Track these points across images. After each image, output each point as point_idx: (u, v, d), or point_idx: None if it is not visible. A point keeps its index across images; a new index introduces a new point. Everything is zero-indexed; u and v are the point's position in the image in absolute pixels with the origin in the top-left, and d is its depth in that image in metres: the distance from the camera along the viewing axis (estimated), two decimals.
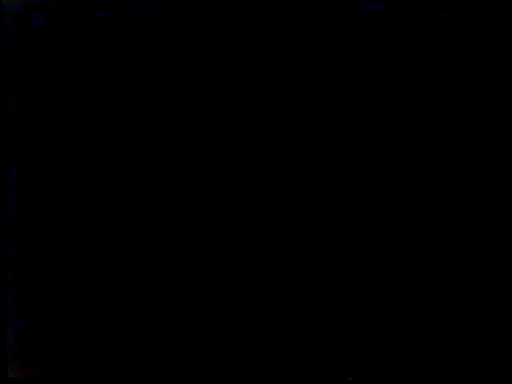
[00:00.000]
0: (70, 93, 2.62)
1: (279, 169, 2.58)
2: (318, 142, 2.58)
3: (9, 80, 2.64)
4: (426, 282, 2.54)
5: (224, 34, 2.59)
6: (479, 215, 2.53)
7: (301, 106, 2.58)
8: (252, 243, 2.57)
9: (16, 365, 2.62)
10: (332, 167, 2.57)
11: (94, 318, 2.59)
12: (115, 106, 2.61)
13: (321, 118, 2.58)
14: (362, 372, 2.54)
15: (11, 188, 2.63)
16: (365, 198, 2.56)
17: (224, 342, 2.57)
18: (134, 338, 2.58)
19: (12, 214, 2.63)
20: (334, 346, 2.55)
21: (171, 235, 2.59)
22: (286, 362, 2.56)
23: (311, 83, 2.58)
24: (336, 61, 2.58)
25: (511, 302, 2.51)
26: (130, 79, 2.61)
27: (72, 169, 2.61)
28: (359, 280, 2.55)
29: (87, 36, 2.62)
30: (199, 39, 2.60)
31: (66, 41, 2.63)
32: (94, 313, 2.59)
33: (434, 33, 2.56)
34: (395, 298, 2.54)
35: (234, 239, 2.58)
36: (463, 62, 2.56)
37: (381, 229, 2.55)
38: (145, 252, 2.59)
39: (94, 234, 2.60)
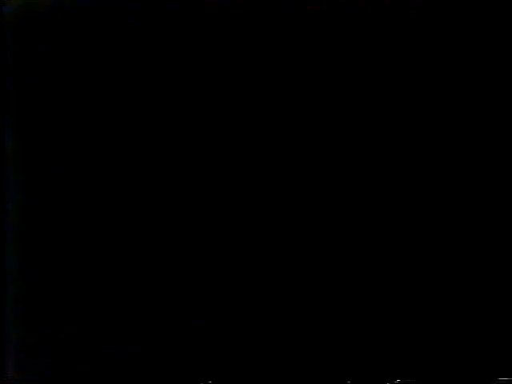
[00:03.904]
0: (70, 93, 2.63)
1: (279, 169, 2.58)
2: (317, 141, 2.58)
3: (9, 80, 2.65)
4: (428, 282, 2.54)
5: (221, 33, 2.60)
6: (479, 215, 2.54)
7: (299, 104, 2.58)
8: (252, 243, 2.58)
9: (14, 368, 2.62)
10: (332, 167, 2.58)
11: (94, 320, 2.59)
12: (116, 105, 2.62)
13: (319, 118, 2.58)
14: (363, 373, 2.55)
15: (11, 188, 2.63)
16: (365, 198, 2.56)
17: (224, 342, 2.57)
18: (134, 340, 2.58)
19: (11, 215, 2.63)
20: (334, 347, 2.55)
21: (171, 237, 2.59)
22: (286, 362, 2.56)
23: (309, 81, 2.59)
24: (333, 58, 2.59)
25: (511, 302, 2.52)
26: (131, 79, 2.61)
27: (72, 169, 2.62)
28: (360, 280, 2.55)
29: (88, 36, 2.63)
30: (198, 37, 2.61)
31: (66, 41, 2.63)
32: (94, 315, 2.59)
33: (433, 29, 2.56)
34: (397, 298, 2.54)
35: (234, 239, 2.58)
36: (461, 59, 2.56)
37: (381, 229, 2.55)
38: (147, 255, 2.59)
39: (94, 236, 2.60)
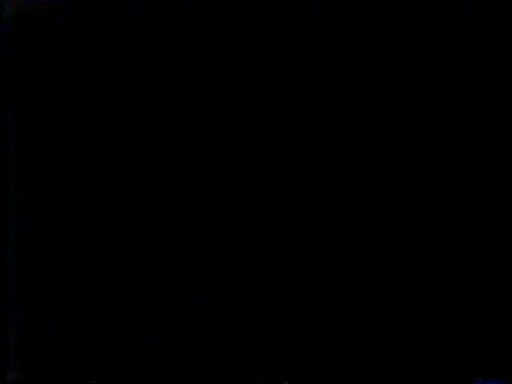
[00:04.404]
0: (70, 92, 2.63)
1: (279, 170, 2.58)
2: (316, 142, 2.58)
3: (8, 80, 2.64)
4: (428, 282, 2.54)
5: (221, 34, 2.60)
6: (479, 216, 2.54)
7: (298, 104, 2.58)
8: (252, 244, 2.58)
9: (15, 367, 2.62)
10: (332, 168, 2.57)
11: (96, 320, 2.60)
12: (116, 106, 2.61)
13: (319, 118, 2.58)
14: (362, 372, 2.55)
15: (11, 188, 2.63)
16: (365, 198, 2.56)
17: (224, 342, 2.57)
18: (134, 341, 2.58)
19: (12, 214, 2.63)
20: (334, 347, 2.55)
21: (171, 238, 2.59)
22: (285, 361, 2.57)
23: (308, 82, 2.59)
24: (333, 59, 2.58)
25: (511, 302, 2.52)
26: (132, 78, 2.61)
27: (73, 169, 2.62)
28: (360, 281, 2.55)
29: (88, 37, 2.62)
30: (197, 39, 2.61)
31: (65, 42, 2.63)
32: (95, 315, 2.59)
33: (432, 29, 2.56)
34: (396, 298, 2.54)
35: (234, 240, 2.58)
36: (460, 59, 2.56)
37: (381, 229, 2.55)
38: (147, 256, 2.59)
39: (95, 236, 2.60)
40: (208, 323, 2.58)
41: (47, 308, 2.61)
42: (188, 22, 2.61)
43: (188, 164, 2.60)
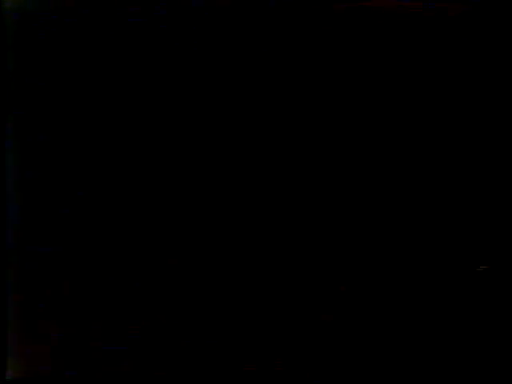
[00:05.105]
0: (70, 93, 2.62)
1: (278, 170, 2.58)
2: (316, 142, 2.58)
3: (9, 80, 2.64)
4: (427, 282, 2.55)
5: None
6: (479, 215, 2.54)
7: (298, 105, 2.58)
8: (251, 244, 2.57)
9: (15, 365, 2.61)
10: (331, 168, 2.57)
11: (96, 320, 2.59)
12: (116, 106, 2.61)
13: (319, 119, 2.58)
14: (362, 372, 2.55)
15: (11, 190, 2.62)
16: (364, 199, 2.56)
17: (223, 342, 2.57)
18: (134, 339, 2.58)
19: (12, 213, 2.62)
20: (334, 347, 2.55)
21: (171, 239, 2.59)
22: (285, 362, 2.56)
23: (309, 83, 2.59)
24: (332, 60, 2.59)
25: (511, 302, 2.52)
26: (133, 76, 2.60)
27: (72, 171, 2.61)
28: (359, 280, 2.55)
29: (88, 37, 2.62)
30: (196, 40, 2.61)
31: (66, 42, 2.63)
32: (96, 315, 2.59)
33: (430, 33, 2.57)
34: (396, 299, 2.54)
35: (233, 240, 2.58)
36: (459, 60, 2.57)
37: (380, 230, 2.55)
38: (146, 256, 2.59)
39: (94, 235, 2.60)
40: (207, 323, 2.58)
41: (47, 308, 2.60)
42: (186, 22, 2.61)
43: (188, 164, 2.59)
